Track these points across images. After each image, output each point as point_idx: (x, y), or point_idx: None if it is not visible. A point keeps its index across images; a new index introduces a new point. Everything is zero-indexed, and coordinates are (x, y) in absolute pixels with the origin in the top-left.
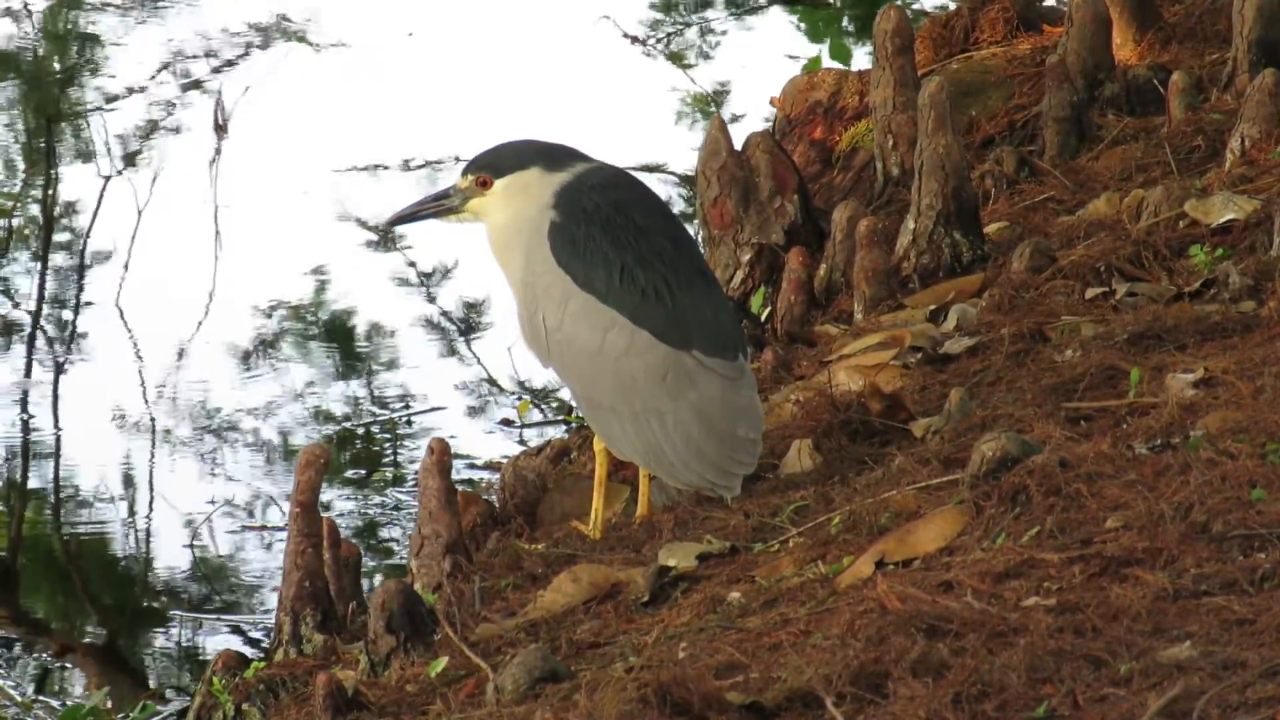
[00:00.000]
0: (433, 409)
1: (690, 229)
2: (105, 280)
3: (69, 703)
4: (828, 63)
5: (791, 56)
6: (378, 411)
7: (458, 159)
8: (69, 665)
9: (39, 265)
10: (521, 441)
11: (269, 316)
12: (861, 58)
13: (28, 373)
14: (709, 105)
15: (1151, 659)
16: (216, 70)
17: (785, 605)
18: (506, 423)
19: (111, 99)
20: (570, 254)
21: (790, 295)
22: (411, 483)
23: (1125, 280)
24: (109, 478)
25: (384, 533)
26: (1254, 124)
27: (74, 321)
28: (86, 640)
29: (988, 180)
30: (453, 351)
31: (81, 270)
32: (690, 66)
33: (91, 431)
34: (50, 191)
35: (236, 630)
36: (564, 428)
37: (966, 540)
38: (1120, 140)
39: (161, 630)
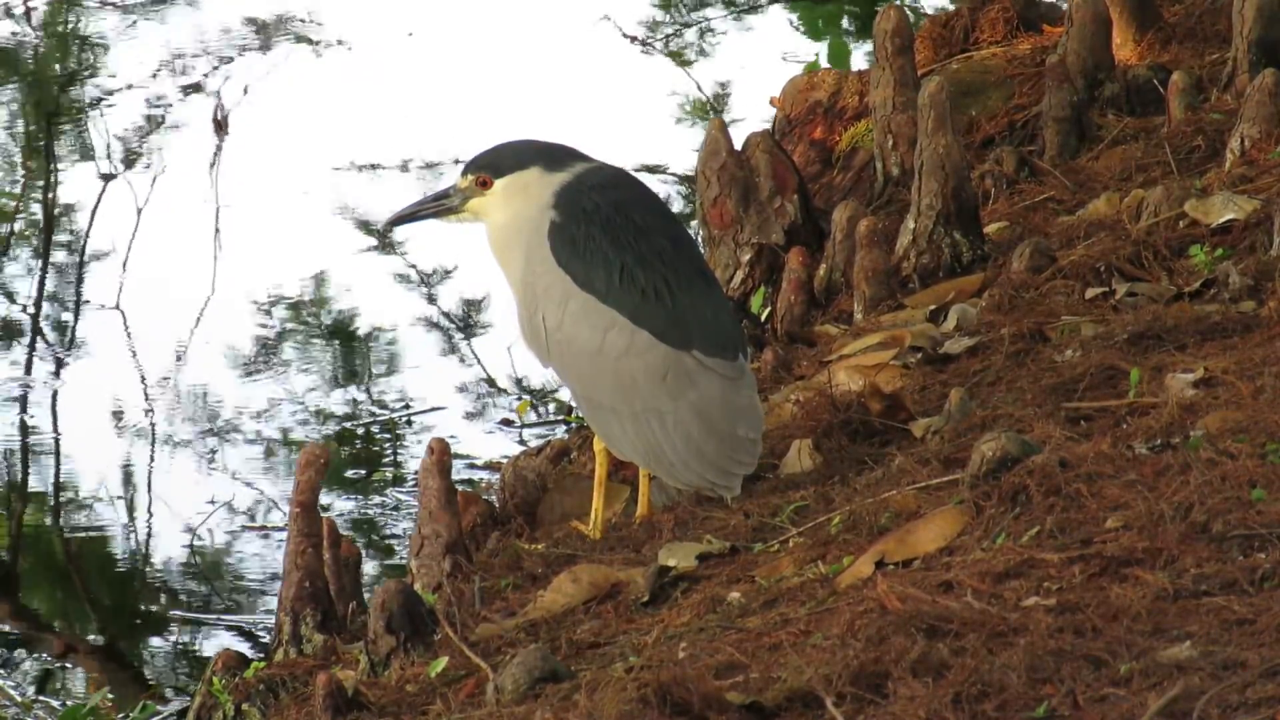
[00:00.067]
0: (433, 409)
1: (690, 229)
2: (105, 280)
3: (69, 703)
4: (826, 65)
5: (791, 60)
6: (378, 411)
7: (457, 160)
8: (69, 665)
9: (39, 265)
10: (521, 441)
11: (269, 315)
12: (861, 58)
13: (28, 373)
14: (709, 106)
15: (1151, 659)
16: (216, 69)
17: (785, 605)
18: (506, 423)
19: (111, 98)
20: (570, 254)
21: (790, 295)
22: (411, 483)
23: (1125, 280)
24: (109, 478)
25: (384, 533)
26: (1254, 124)
27: (74, 321)
28: (87, 640)
29: (988, 180)
30: (453, 352)
31: (81, 270)
32: (689, 63)
33: (91, 432)
34: (50, 194)
35: (236, 630)
36: (564, 428)
37: (966, 540)
38: (1120, 140)
39: (161, 630)
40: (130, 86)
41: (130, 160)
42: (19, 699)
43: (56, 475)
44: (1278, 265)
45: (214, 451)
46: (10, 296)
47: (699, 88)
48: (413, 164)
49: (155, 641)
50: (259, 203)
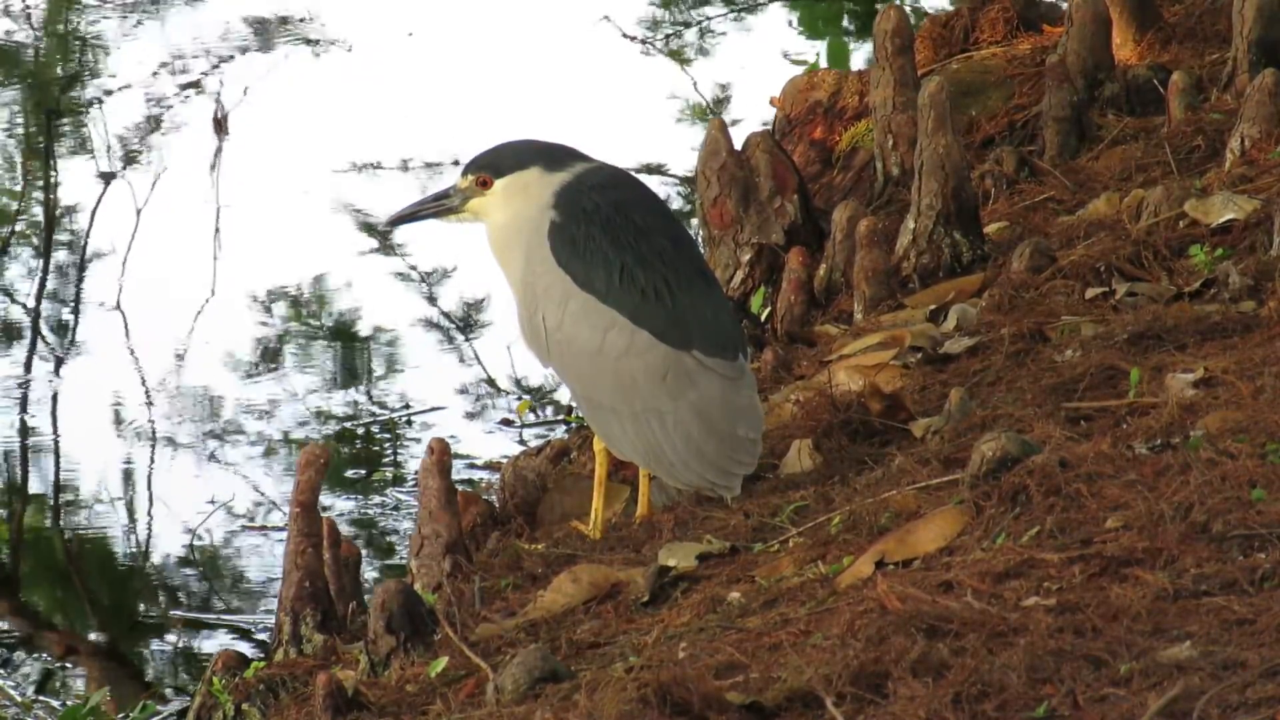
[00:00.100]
0: (433, 409)
1: (690, 229)
2: (105, 280)
3: (69, 703)
4: (826, 65)
5: (793, 60)
6: (378, 411)
7: (457, 160)
8: (69, 665)
9: (40, 265)
10: (521, 441)
11: (269, 315)
12: (861, 58)
13: (27, 372)
14: (709, 106)
15: (1151, 659)
16: (215, 67)
17: (785, 605)
18: (506, 423)
19: (111, 98)
20: (570, 254)
21: (790, 295)
22: (411, 483)
23: (1125, 280)
24: (109, 478)
25: (384, 533)
26: (1254, 124)
27: (74, 322)
28: (87, 641)
29: (988, 180)
30: (453, 352)
31: (82, 270)
32: (689, 61)
33: (91, 432)
34: (50, 194)
35: (236, 630)
36: (564, 428)
37: (966, 540)
38: (1120, 140)
39: (161, 630)
40: (129, 87)
41: (130, 160)
42: (19, 699)
43: (56, 475)
44: (1278, 265)
45: (214, 452)
46: (11, 296)
47: (696, 89)
48: (413, 164)
49: (155, 641)
50: (259, 203)
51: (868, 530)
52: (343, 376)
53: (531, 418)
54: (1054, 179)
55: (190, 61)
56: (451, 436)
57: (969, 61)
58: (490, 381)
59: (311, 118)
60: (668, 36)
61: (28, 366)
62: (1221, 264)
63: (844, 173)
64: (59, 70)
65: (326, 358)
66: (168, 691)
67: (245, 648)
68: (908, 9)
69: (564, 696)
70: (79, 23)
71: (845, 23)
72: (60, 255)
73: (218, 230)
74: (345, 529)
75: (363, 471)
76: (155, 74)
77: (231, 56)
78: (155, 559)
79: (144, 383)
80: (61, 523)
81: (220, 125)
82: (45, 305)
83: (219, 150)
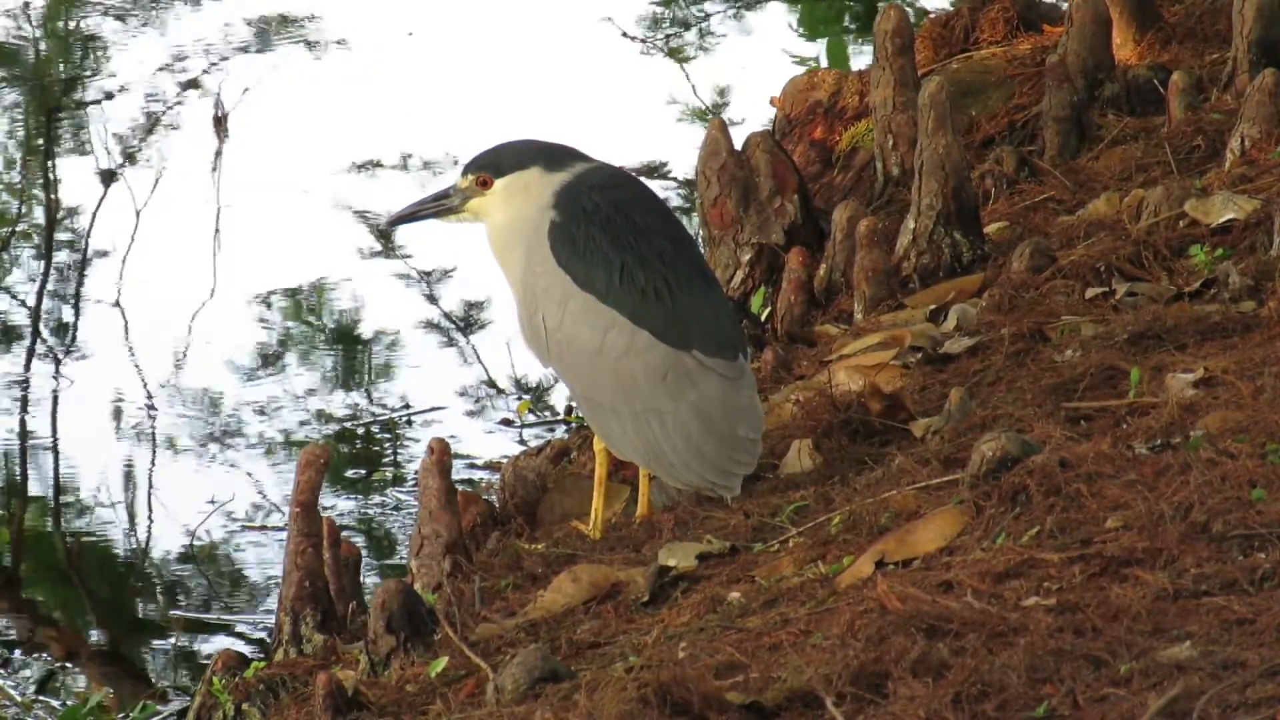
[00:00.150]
0: (433, 409)
1: (690, 229)
2: (105, 280)
3: (69, 703)
4: (826, 65)
5: (795, 58)
6: (378, 411)
7: (456, 160)
8: (69, 666)
9: (40, 266)
10: (521, 441)
11: (269, 315)
12: (861, 58)
13: (27, 372)
14: (709, 106)
15: (1151, 659)
16: (215, 65)
17: (785, 605)
18: (506, 423)
19: (112, 98)
20: (570, 254)
21: (790, 295)
22: (411, 483)
23: (1125, 280)
24: (109, 478)
25: (384, 533)
26: (1254, 124)
27: (74, 322)
28: (87, 641)
29: (988, 180)
30: (453, 352)
31: (82, 271)
32: (689, 59)
33: (91, 432)
34: (51, 194)
35: (236, 630)
36: (564, 428)
37: (966, 540)
38: (1120, 140)
39: (161, 631)
40: (127, 88)
41: (130, 160)
42: (19, 699)
43: (56, 476)
44: (1278, 265)
45: (214, 452)
46: (12, 295)
47: (695, 92)
48: (413, 164)
49: (155, 641)
50: (259, 203)
51: (868, 530)
52: (343, 376)
53: (531, 418)
54: (1054, 179)
55: (190, 61)
56: (451, 436)
57: (969, 61)
58: (490, 382)
59: (311, 118)
60: (668, 36)
61: (27, 364)
62: (1221, 264)
63: (844, 173)
64: (59, 70)
65: (327, 358)
66: (168, 691)
67: (245, 648)
68: (908, 9)
69: (564, 696)
70: (79, 23)
71: (845, 23)
72: (60, 255)
73: (218, 230)
74: (345, 529)
75: (363, 471)
76: (156, 74)
77: (231, 58)
78: (155, 559)
79: (144, 383)
80: (62, 523)
81: (220, 125)
82: (45, 305)
83: (219, 150)
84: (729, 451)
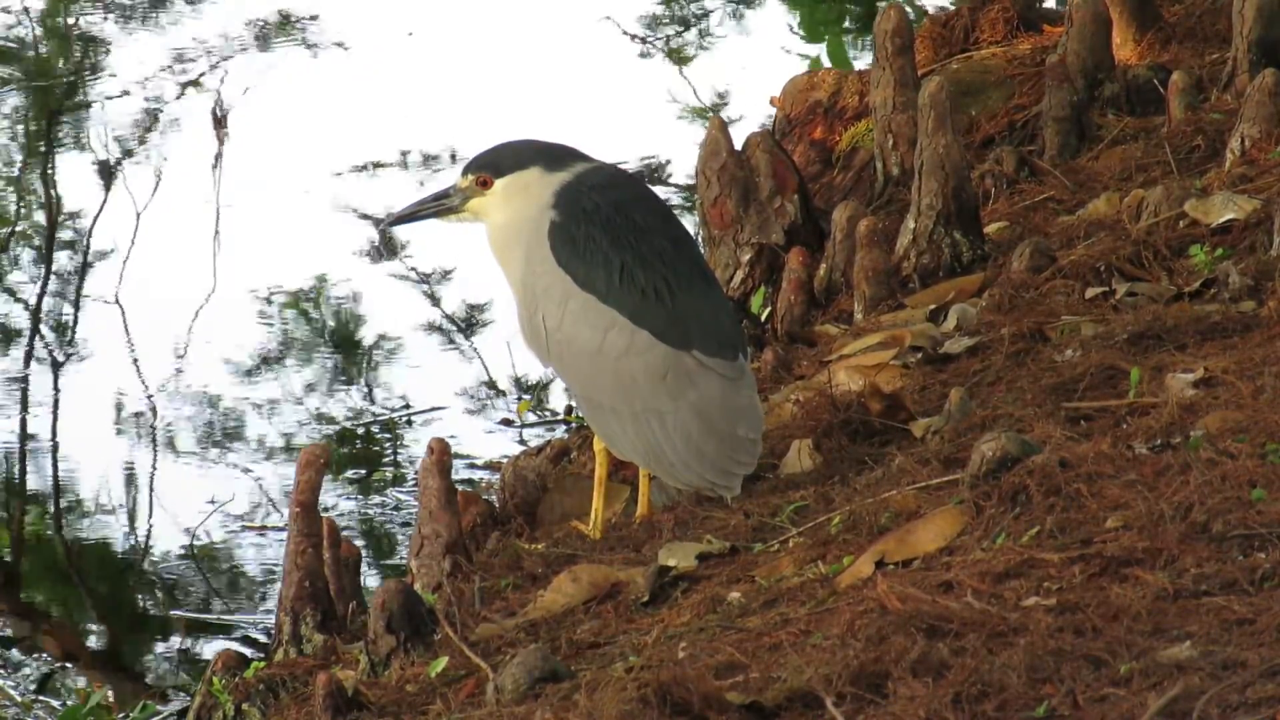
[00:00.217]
0: (433, 409)
1: (690, 229)
2: (105, 280)
3: (69, 703)
4: (826, 65)
5: (799, 54)
6: (378, 411)
7: (454, 154)
8: (69, 666)
9: (40, 266)
10: (521, 441)
11: (269, 315)
12: (862, 59)
13: (26, 369)
14: (708, 106)
15: (1151, 659)
16: (215, 65)
17: (785, 605)
18: (506, 423)
19: (112, 98)
20: (570, 254)
21: (790, 295)
22: (411, 483)
23: (1125, 280)
24: (109, 478)
25: (384, 533)
26: (1254, 124)
27: (74, 321)
28: (88, 641)
29: (988, 180)
30: (453, 352)
31: (83, 271)
32: (689, 60)
33: (91, 432)
34: (51, 194)
35: (236, 630)
36: (564, 428)
37: (966, 540)
38: (1120, 140)
39: (162, 631)
40: (127, 91)
41: (131, 159)
42: (19, 699)
43: (56, 475)
44: (1278, 265)
45: (214, 452)
46: (13, 295)
47: (695, 92)
48: (413, 164)
49: (155, 641)
50: (259, 202)
51: (868, 530)
52: (343, 376)
53: (531, 418)
54: (1054, 179)
55: (191, 62)
56: (451, 436)
57: (969, 61)
58: (490, 382)
59: (311, 118)
60: (668, 36)
61: (26, 364)
62: (1221, 264)
63: (844, 173)
64: (59, 70)
65: (327, 358)
66: (168, 691)
67: (245, 648)
68: (908, 9)
69: (564, 696)
70: (80, 22)
71: (845, 23)
72: (61, 255)
73: (218, 230)
74: (345, 529)
75: (363, 471)
76: (155, 74)
77: (232, 57)
78: (155, 559)
79: (144, 383)
80: (62, 523)
81: (220, 125)
82: (46, 305)
83: (219, 150)
84: (729, 451)
